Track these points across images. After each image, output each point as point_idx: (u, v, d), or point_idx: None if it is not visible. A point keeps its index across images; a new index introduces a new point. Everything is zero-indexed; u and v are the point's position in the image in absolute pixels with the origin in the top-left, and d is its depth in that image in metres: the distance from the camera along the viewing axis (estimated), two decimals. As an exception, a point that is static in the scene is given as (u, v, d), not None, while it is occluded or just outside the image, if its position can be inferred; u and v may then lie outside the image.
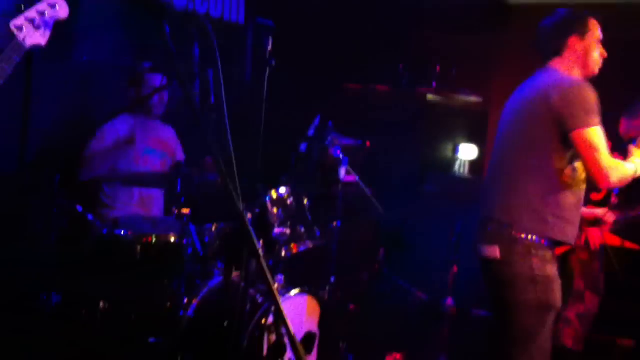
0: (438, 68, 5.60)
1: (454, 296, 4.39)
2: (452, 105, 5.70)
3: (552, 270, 3.00)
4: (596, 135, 2.90)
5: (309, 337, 3.39)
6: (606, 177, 2.90)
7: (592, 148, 2.89)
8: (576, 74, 3.05)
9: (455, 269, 4.37)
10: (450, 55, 5.71)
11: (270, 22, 3.54)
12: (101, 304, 3.11)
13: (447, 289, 4.40)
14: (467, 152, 5.74)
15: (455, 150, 5.78)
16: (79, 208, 3.25)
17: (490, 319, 3.36)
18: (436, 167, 5.61)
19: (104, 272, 3.22)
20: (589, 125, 2.89)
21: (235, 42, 4.99)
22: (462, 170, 5.81)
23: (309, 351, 3.37)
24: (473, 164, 5.84)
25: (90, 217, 3.27)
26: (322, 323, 3.47)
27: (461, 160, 5.80)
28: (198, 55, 2.99)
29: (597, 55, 3.07)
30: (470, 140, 5.77)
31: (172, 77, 3.78)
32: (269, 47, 3.61)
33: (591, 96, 2.92)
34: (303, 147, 4.62)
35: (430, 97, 5.53)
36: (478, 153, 5.77)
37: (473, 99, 5.83)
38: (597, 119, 2.91)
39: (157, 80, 3.93)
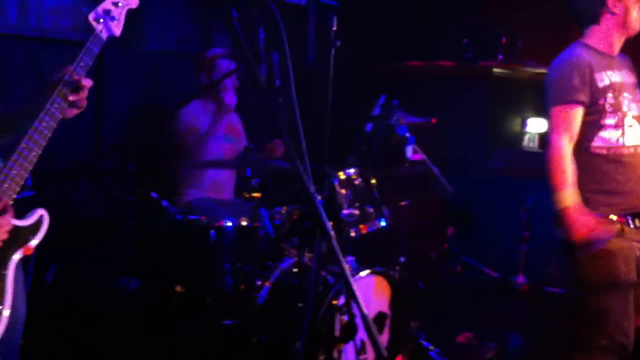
0: (504, 40, 5.46)
1: (526, 274, 4.32)
2: (519, 78, 5.56)
3: (617, 244, 2.92)
4: (557, 115, 2.92)
5: (380, 318, 3.39)
6: (548, 158, 2.90)
7: (550, 127, 2.94)
8: (616, 38, 3.01)
9: (526, 245, 4.30)
10: (516, 26, 5.55)
11: (335, 2, 3.52)
12: (177, 287, 3.18)
13: (518, 267, 4.33)
14: (536, 125, 5.60)
15: (523, 124, 5.64)
16: (154, 195, 3.33)
17: (564, 296, 3.30)
18: (504, 143, 5.50)
19: (179, 257, 3.30)
20: (553, 104, 2.92)
21: (297, 23, 4.99)
22: (531, 145, 5.67)
23: (380, 331, 3.38)
24: (542, 137, 5.70)
25: (164, 203, 3.35)
26: (392, 303, 3.47)
27: (530, 134, 5.66)
28: (263, 38, 2.99)
29: (636, 13, 3.00)
30: (539, 113, 5.61)
31: (239, 61, 3.81)
32: (334, 28, 3.60)
33: (568, 74, 2.91)
34: (369, 127, 4.60)
35: (496, 70, 5.41)
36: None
37: (541, 70, 5.67)
38: (566, 97, 2.90)
39: (226, 65, 3.96)
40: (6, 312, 1.97)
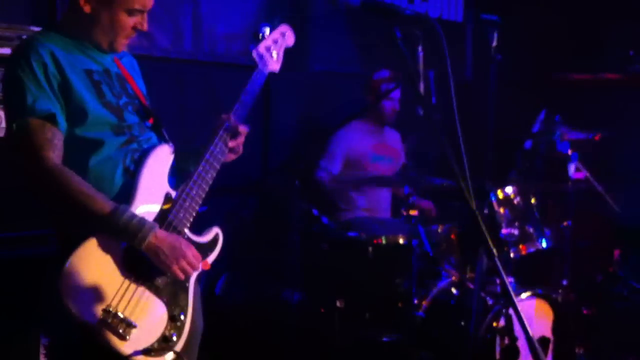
0: (675, 51, 5.12)
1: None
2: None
3: None
4: None
5: (542, 342, 3.28)
6: None
7: None
8: None
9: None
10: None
11: (496, 17, 3.48)
12: (338, 302, 3.25)
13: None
14: None
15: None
16: (315, 212, 3.44)
17: None
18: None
19: (340, 272, 3.37)
20: None
21: (455, 40, 4.96)
22: None
23: (545, 357, 3.27)
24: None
25: (325, 220, 3.44)
26: (555, 327, 3.35)
27: None
28: (422, 56, 3.01)
29: None
30: None
31: (401, 81, 3.86)
32: (494, 43, 3.56)
33: None
34: (528, 144, 4.48)
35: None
36: None
37: None
38: None
39: (395, 91, 4.01)
40: (188, 323, 2.09)
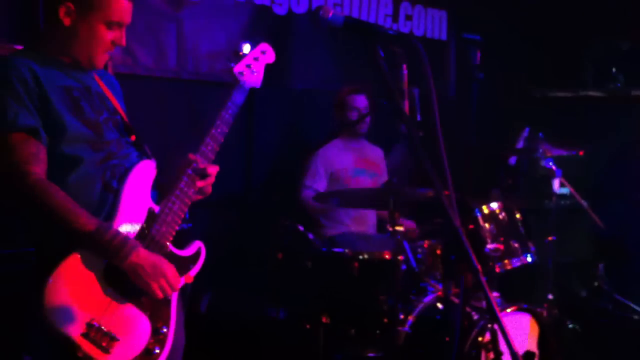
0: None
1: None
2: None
3: None
4: None
5: (527, 357, 3.29)
6: None
7: None
8: None
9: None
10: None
11: (478, 36, 3.53)
12: (323, 318, 3.25)
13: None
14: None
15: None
16: (301, 227, 3.44)
17: None
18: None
19: (325, 288, 3.37)
20: None
21: (438, 58, 5.01)
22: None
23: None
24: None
25: (310, 236, 3.44)
26: (541, 342, 3.35)
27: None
28: (406, 74, 3.03)
29: None
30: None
31: (376, 98, 3.89)
32: (477, 62, 3.60)
33: None
34: (512, 160, 4.51)
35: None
36: None
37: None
38: None
39: (359, 101, 4.07)
40: (170, 337, 2.10)
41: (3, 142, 1.98)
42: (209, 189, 2.27)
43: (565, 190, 4.13)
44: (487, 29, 4.13)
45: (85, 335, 1.91)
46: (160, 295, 2.04)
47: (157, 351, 2.05)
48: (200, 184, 2.21)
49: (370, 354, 3.25)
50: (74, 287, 1.94)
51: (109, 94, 2.23)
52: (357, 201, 3.78)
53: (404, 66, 2.87)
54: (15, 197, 2.00)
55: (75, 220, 1.96)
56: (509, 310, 3.25)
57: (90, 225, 1.96)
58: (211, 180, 2.25)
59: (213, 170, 2.24)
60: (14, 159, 1.96)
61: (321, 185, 4.00)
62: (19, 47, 2.59)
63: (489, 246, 3.41)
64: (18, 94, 2.00)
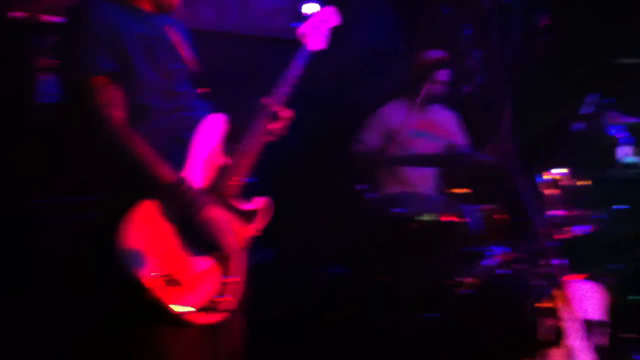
0: None
1: None
2: None
3: None
4: None
5: (596, 325, 3.23)
6: None
7: None
8: None
9: None
10: None
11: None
12: (380, 278, 3.24)
13: None
14: None
15: None
16: (359, 187, 3.41)
17: None
18: None
19: (382, 248, 3.36)
20: None
21: (503, 18, 4.86)
22: None
23: (594, 340, 3.21)
24: None
25: (368, 195, 3.41)
26: (606, 311, 3.29)
27: None
28: (469, 35, 2.97)
29: None
30: None
31: (447, 61, 3.79)
32: (543, 22, 3.49)
33: None
34: (577, 126, 4.39)
35: None
36: None
37: None
38: None
39: (445, 75, 3.93)
40: (237, 287, 2.10)
41: (85, 85, 1.96)
42: (283, 131, 2.26)
43: (634, 159, 4.01)
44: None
45: (155, 279, 1.94)
46: (229, 247, 2.07)
47: (225, 301, 2.07)
48: (272, 126, 2.20)
49: (427, 315, 3.24)
50: (146, 233, 1.96)
51: (180, 44, 2.23)
52: (415, 163, 3.73)
53: (468, 26, 2.80)
54: (95, 141, 1.99)
55: (156, 169, 1.96)
56: (572, 278, 3.18)
57: (170, 177, 1.97)
58: (285, 123, 2.23)
59: (286, 114, 2.22)
60: (95, 102, 1.95)
61: (372, 140, 3.92)
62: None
63: (552, 213, 3.34)
64: (99, 37, 1.98)
